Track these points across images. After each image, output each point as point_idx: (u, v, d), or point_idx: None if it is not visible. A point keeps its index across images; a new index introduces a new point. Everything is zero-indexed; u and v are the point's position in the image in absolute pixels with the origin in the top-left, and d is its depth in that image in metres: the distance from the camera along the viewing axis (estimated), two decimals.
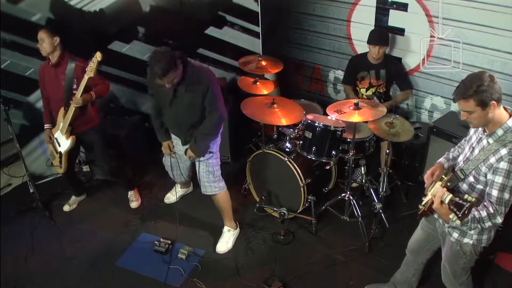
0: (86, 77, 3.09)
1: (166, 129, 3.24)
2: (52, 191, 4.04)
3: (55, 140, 3.45)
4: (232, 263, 3.23)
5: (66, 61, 3.22)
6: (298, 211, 3.47)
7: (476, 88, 1.85)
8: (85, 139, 3.49)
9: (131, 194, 3.90)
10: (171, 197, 3.92)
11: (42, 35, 3.13)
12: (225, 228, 3.42)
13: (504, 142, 1.91)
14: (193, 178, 3.61)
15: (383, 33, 3.77)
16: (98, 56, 3.01)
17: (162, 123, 3.21)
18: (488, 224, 1.93)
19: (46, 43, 3.13)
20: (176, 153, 3.31)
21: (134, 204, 3.87)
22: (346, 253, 3.25)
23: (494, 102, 1.87)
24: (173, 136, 3.25)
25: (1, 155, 4.05)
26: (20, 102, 3.88)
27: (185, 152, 3.13)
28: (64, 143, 3.39)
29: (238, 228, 3.48)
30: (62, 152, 3.42)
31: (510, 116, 1.96)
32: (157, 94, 3.00)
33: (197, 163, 3.14)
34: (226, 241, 3.36)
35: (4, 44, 3.60)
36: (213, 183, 3.17)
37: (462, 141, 2.30)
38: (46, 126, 3.49)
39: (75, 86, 3.21)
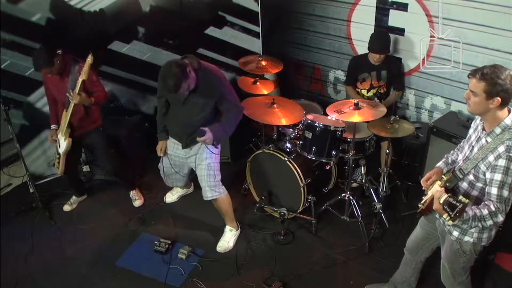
0: (80, 79, 3.09)
1: (168, 130, 3.25)
2: (52, 191, 4.03)
3: (57, 141, 3.44)
4: (232, 263, 3.23)
5: (69, 66, 3.22)
6: (298, 211, 3.47)
7: (492, 75, 1.85)
8: (88, 140, 3.49)
9: (133, 193, 3.91)
10: (171, 197, 3.92)
11: (45, 72, 3.17)
12: (227, 228, 3.42)
13: (502, 140, 1.92)
14: (193, 178, 3.60)
15: (384, 41, 3.70)
16: (89, 58, 3.02)
17: (165, 126, 3.23)
18: (489, 222, 1.93)
19: (53, 71, 3.15)
20: (166, 156, 3.29)
21: (137, 203, 3.87)
22: (346, 253, 3.26)
23: (499, 99, 1.87)
24: (173, 140, 3.23)
25: (1, 155, 4.05)
26: (20, 102, 3.87)
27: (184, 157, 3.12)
28: (62, 144, 3.38)
29: (239, 229, 3.48)
30: (61, 153, 3.41)
31: (508, 114, 1.96)
32: (169, 94, 2.99)
33: (198, 168, 3.15)
34: (227, 241, 3.37)
35: (4, 44, 3.59)
36: (213, 188, 3.17)
37: (461, 143, 2.30)
38: (53, 127, 3.50)
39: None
